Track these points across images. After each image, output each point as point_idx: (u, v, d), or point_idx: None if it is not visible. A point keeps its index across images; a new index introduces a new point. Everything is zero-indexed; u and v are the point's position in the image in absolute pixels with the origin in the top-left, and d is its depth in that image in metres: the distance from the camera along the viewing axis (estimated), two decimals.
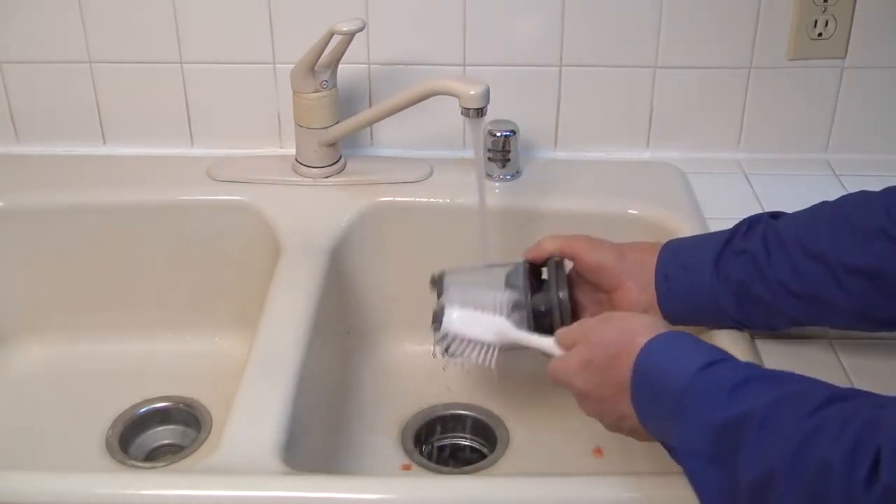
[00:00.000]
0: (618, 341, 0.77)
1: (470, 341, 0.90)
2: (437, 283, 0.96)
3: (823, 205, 0.89)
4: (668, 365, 0.73)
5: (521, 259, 0.96)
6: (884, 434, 0.60)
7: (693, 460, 0.69)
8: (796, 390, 0.68)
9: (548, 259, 0.95)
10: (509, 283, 0.93)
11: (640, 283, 0.93)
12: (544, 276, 0.96)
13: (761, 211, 0.94)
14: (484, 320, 0.90)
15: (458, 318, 0.90)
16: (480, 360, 0.90)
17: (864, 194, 0.87)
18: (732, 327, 0.92)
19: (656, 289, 0.93)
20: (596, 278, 0.95)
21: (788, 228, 0.88)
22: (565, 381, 0.81)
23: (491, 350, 0.90)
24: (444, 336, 0.91)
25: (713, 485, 0.68)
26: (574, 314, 0.93)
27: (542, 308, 0.92)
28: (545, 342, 0.86)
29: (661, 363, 0.73)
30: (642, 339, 0.75)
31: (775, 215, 0.91)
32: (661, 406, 0.72)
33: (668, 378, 0.72)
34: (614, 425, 0.80)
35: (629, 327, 0.78)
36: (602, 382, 0.78)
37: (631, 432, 0.79)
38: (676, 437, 0.70)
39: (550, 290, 0.92)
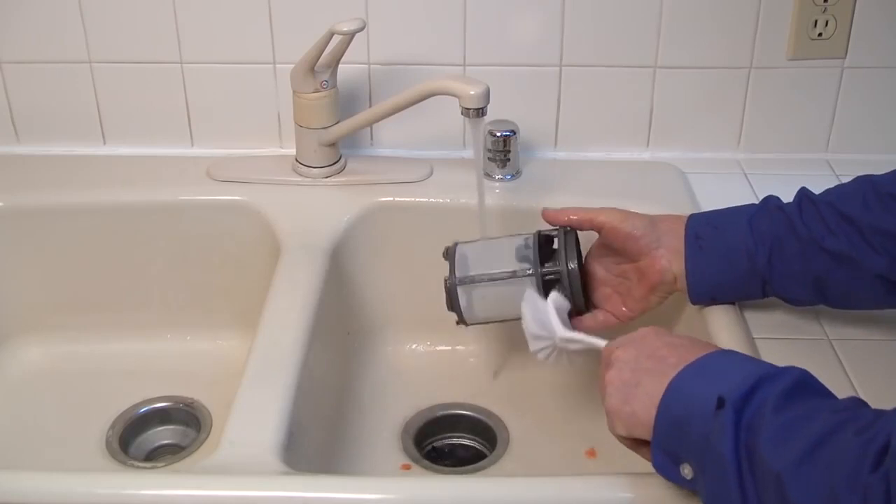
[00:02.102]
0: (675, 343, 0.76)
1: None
2: (450, 255, 0.98)
3: (856, 179, 0.92)
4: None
5: (533, 231, 0.98)
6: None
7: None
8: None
9: (559, 228, 0.98)
10: (520, 255, 0.96)
11: (670, 250, 0.94)
12: (556, 246, 0.98)
13: None
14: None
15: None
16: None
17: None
18: (757, 297, 0.94)
19: (686, 250, 0.93)
20: (624, 246, 0.96)
21: (820, 194, 0.91)
22: (617, 348, 0.79)
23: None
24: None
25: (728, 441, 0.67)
26: (586, 286, 0.97)
27: (551, 277, 0.95)
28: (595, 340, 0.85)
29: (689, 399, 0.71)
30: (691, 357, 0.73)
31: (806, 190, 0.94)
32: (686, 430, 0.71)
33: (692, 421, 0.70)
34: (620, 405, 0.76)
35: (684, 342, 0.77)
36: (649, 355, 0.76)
37: (630, 416, 0.75)
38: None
39: (560, 261, 0.95)
